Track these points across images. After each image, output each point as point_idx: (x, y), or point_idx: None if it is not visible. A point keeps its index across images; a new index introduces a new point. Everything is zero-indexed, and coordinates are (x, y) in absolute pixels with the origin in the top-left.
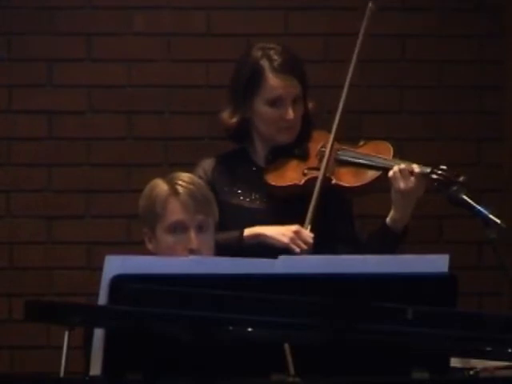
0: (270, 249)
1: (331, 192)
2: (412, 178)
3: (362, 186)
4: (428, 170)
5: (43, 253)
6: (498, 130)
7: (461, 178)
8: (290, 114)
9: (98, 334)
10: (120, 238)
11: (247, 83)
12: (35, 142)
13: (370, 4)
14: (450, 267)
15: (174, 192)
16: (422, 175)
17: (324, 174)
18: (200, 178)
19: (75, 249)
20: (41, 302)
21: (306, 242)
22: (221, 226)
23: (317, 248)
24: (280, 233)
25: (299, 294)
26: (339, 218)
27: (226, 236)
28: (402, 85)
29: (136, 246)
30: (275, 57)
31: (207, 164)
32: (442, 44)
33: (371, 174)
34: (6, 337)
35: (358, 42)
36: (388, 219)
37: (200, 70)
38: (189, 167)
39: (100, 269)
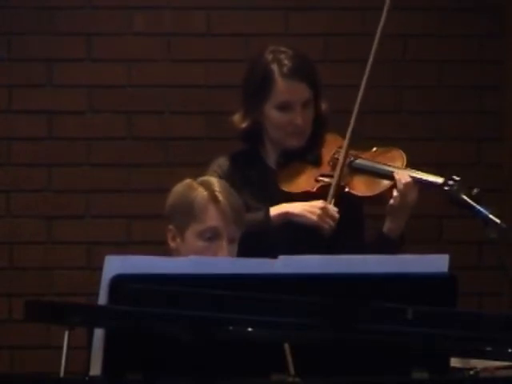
0: (297, 229)
1: (343, 199)
2: (413, 192)
3: (374, 195)
4: (440, 180)
5: (43, 253)
6: (498, 130)
7: (474, 191)
8: (299, 119)
9: (98, 333)
10: (120, 238)
11: (258, 87)
12: (35, 141)
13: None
14: (450, 267)
15: (215, 199)
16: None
17: (338, 183)
18: (215, 172)
19: (75, 249)
20: (41, 302)
21: (333, 218)
22: None
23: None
24: (307, 210)
25: (299, 294)
26: (350, 227)
27: (252, 218)
28: (402, 85)
29: (136, 246)
30: (285, 61)
31: (222, 161)
32: (441, 44)
33: (384, 184)
34: (5, 337)
35: (376, 40)
36: (385, 229)
37: (200, 70)
38: (189, 167)
39: (100, 269)
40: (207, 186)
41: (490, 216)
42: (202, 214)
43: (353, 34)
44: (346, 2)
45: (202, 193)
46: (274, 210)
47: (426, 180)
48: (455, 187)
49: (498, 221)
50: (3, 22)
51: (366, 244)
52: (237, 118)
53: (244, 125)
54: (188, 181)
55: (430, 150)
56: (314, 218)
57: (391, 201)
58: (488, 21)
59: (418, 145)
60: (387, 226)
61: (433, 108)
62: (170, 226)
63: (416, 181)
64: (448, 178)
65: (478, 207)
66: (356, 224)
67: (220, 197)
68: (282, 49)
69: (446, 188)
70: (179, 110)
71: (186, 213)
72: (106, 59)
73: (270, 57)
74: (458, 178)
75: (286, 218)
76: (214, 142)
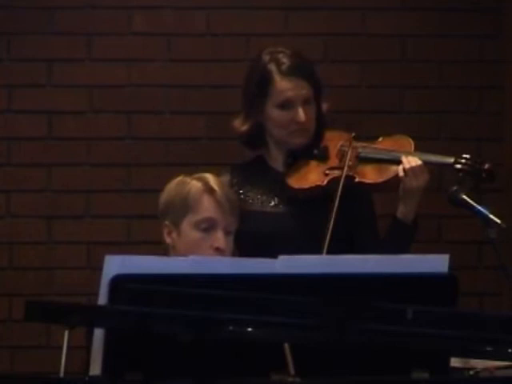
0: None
1: (354, 193)
2: (423, 174)
3: (385, 181)
4: (451, 160)
5: (43, 253)
6: (498, 130)
7: (486, 166)
8: (301, 116)
9: (98, 334)
10: (120, 238)
11: (257, 88)
12: (35, 141)
13: (353, 135)
14: (450, 267)
15: (210, 189)
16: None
17: (346, 173)
18: None
19: (75, 249)
20: (41, 302)
21: None
22: (246, 235)
23: (338, 250)
24: None
25: (299, 294)
26: (363, 222)
27: None
28: (402, 85)
29: (136, 246)
30: (283, 60)
31: (224, 178)
32: (441, 44)
33: (394, 169)
34: (5, 337)
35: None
36: (398, 214)
37: (200, 70)
38: (189, 167)
39: (100, 269)
40: (201, 179)
41: (490, 216)
42: (197, 205)
43: (353, 34)
44: (346, 2)
45: (196, 185)
46: None
47: (436, 161)
48: (455, 187)
49: (498, 221)
50: (3, 22)
51: (381, 237)
52: (238, 122)
53: (245, 127)
54: (179, 178)
55: (430, 150)
56: None
57: (402, 184)
58: (488, 21)
59: (418, 145)
60: (400, 210)
61: (433, 108)
62: (166, 222)
63: (426, 163)
64: (458, 156)
65: (478, 207)
66: (368, 218)
67: (215, 187)
68: (280, 49)
69: (458, 166)
70: (179, 110)
71: (181, 205)
72: (106, 59)
73: (267, 57)
74: (468, 156)
75: None
76: (214, 142)
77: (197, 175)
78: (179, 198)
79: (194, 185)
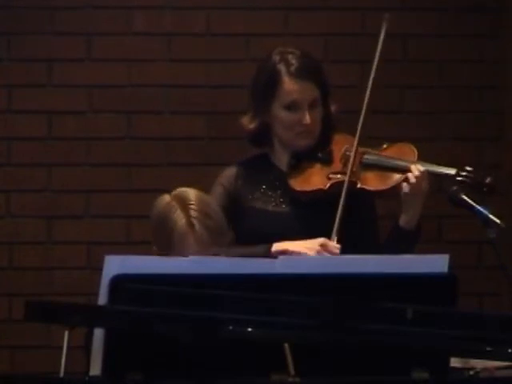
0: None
1: (356, 197)
2: (423, 181)
3: (387, 189)
4: (453, 171)
5: (43, 253)
6: (498, 130)
7: (488, 180)
8: (307, 118)
9: (98, 334)
10: (120, 238)
11: (265, 87)
12: (35, 141)
13: (386, 15)
14: (450, 267)
15: (190, 225)
16: (436, 175)
17: (349, 179)
18: (224, 187)
19: (75, 249)
20: (41, 302)
21: (333, 254)
22: (247, 232)
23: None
24: (306, 247)
25: (299, 294)
26: (364, 225)
27: (252, 251)
28: (403, 85)
29: (136, 246)
30: (293, 61)
31: (229, 172)
32: (441, 44)
33: (396, 178)
34: (5, 337)
35: (378, 49)
36: (400, 221)
37: (200, 70)
38: (189, 167)
39: (100, 269)
40: (184, 207)
41: (490, 216)
42: (180, 244)
43: (353, 34)
44: (346, 1)
45: (179, 219)
46: (275, 247)
47: (438, 172)
48: (455, 187)
49: (497, 221)
50: (3, 22)
51: (382, 242)
52: (245, 119)
53: (252, 126)
54: (165, 199)
55: (430, 149)
56: (313, 254)
57: (404, 191)
58: (488, 21)
59: (418, 145)
60: (402, 217)
61: (433, 108)
62: (154, 248)
63: (429, 173)
64: (460, 168)
65: (478, 207)
66: (369, 223)
67: (195, 222)
68: (290, 49)
69: (460, 178)
70: (179, 110)
71: (166, 241)
72: (106, 59)
73: (277, 58)
74: (470, 169)
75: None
76: (214, 142)
77: (181, 196)
78: (165, 232)
79: (177, 218)
